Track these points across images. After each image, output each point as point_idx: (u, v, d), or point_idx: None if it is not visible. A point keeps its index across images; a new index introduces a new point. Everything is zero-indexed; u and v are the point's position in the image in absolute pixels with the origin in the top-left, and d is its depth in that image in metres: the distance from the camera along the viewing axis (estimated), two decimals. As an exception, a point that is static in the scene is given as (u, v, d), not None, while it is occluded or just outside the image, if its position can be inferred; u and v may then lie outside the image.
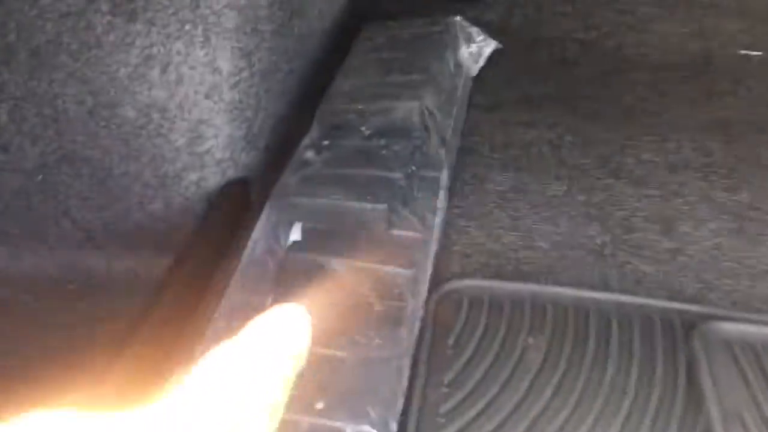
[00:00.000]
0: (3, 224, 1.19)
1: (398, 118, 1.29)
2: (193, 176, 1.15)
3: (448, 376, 0.97)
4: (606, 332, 1.07)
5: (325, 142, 1.24)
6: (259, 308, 0.98)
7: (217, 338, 0.96)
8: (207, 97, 1.14)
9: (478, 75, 1.65)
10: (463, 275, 1.17)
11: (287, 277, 1.02)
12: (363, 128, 1.26)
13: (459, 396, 0.96)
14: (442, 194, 1.23)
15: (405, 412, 0.90)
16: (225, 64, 1.14)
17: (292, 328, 0.44)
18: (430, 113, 1.34)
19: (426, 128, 1.31)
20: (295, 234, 1.10)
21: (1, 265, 1.19)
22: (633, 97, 1.65)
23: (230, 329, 0.99)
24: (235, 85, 1.16)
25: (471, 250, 1.24)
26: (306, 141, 1.24)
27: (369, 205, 1.12)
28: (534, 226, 1.31)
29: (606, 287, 1.21)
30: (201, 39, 1.12)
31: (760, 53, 1.82)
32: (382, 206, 1.12)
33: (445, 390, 0.96)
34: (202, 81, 1.14)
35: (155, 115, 1.12)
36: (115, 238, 1.18)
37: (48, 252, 1.20)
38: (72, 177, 1.18)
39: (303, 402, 0.82)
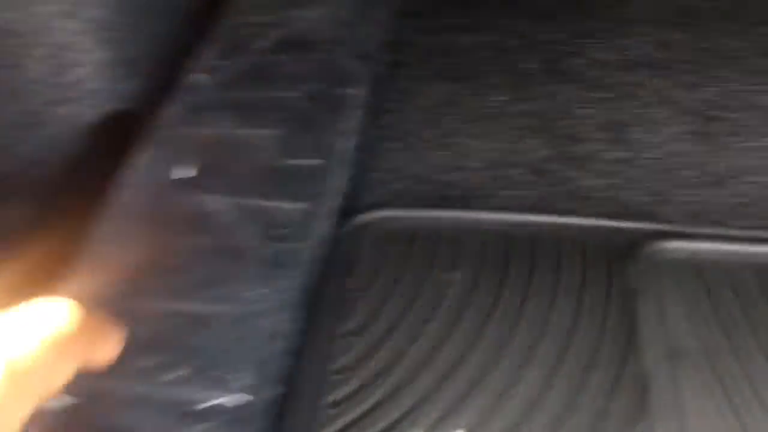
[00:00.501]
0: None
1: (304, 29, 1.13)
2: (62, 111, 1.00)
3: (349, 326, 0.84)
4: (536, 262, 0.94)
5: (218, 63, 1.08)
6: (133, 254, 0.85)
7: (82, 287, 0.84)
8: (68, 16, 0.98)
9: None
10: (377, 205, 1.03)
11: (166, 220, 0.89)
12: (262, 43, 1.11)
13: (360, 348, 0.83)
14: (357, 114, 1.08)
15: (291, 375, 0.78)
16: (89, -24, 0.98)
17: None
18: (345, 22, 1.18)
19: (339, 39, 1.15)
20: (180, 170, 0.96)
21: None
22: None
23: (101, 274, 0.87)
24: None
25: (391, 176, 1.10)
26: (196, 63, 1.09)
27: (261, 132, 0.97)
28: (467, 142, 1.16)
29: (545, 208, 1.07)
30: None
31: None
32: (276, 132, 0.97)
33: (343, 342, 0.83)
34: (61, -2, 0.97)
35: (8, 41, 0.96)
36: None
37: None
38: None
39: (154, 370, 0.69)
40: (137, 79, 1.06)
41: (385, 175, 1.11)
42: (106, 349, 0.49)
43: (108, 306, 0.54)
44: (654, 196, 1.09)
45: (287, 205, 0.89)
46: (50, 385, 0.43)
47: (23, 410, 0.38)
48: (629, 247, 0.94)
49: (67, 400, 0.65)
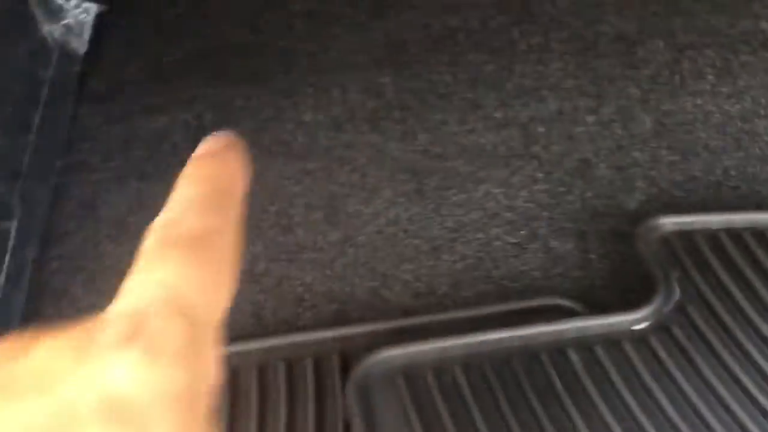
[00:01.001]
0: None
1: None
2: None
3: None
4: (238, 394, 0.82)
5: None
6: None
7: None
8: None
9: (90, 52, 1.28)
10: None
11: None
12: None
13: None
14: (10, 250, 0.90)
15: None
16: None
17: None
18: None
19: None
20: None
21: None
22: (290, 39, 1.36)
23: None
24: None
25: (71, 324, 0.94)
26: None
27: None
28: (162, 258, 1.02)
29: (257, 324, 0.96)
30: None
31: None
32: None
33: None
34: None
35: None
36: None
37: None
38: None
39: None
40: None
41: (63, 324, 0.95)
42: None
43: None
44: (376, 281, 1.01)
45: None
46: None
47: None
48: (342, 365, 0.84)
49: None
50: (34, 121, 1.05)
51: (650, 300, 0.89)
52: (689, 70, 1.25)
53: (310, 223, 1.05)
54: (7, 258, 0.88)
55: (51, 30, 1.19)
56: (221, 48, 1.34)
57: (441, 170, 1.14)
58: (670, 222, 0.99)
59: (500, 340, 0.85)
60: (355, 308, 0.96)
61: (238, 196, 0.38)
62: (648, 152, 1.14)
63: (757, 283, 0.92)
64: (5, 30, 1.09)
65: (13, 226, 0.91)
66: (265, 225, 1.05)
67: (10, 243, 0.89)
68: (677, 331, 0.87)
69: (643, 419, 0.79)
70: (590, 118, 1.18)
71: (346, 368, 0.84)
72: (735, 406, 0.80)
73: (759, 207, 1.04)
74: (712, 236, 0.98)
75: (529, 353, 0.84)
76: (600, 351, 0.84)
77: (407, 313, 0.93)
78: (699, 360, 0.84)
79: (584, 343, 0.85)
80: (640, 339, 0.86)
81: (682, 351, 0.85)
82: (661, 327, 0.87)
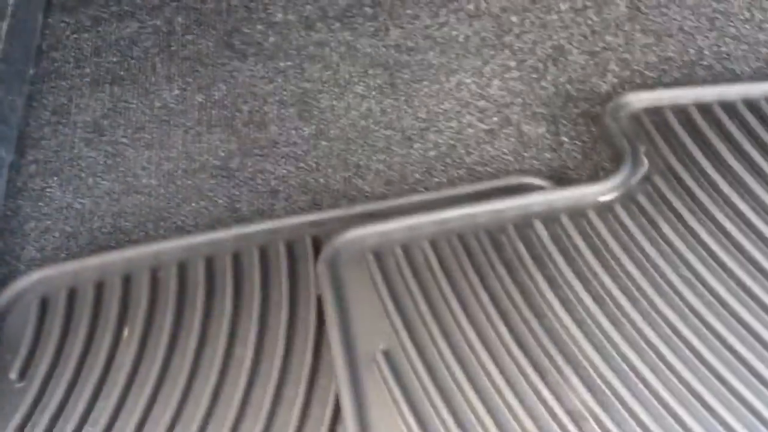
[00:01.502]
0: None
1: None
2: None
3: (14, 421, 0.72)
4: (215, 286, 0.83)
5: None
6: None
7: None
8: None
9: (58, -38, 1.27)
10: (38, 262, 0.88)
11: None
12: None
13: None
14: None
15: None
16: None
17: None
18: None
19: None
20: None
21: None
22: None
23: None
24: None
25: (51, 221, 0.95)
26: None
27: None
28: (136, 158, 1.02)
29: (230, 217, 0.97)
30: None
31: None
32: None
33: None
34: None
35: None
36: None
37: None
38: None
39: None
40: None
41: (43, 221, 0.96)
42: None
43: None
44: (350, 171, 1.01)
45: None
46: None
47: None
48: (314, 244, 0.86)
49: None
50: (2, 31, 1.04)
51: (617, 172, 0.90)
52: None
53: (283, 120, 1.06)
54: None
55: (15, -60, 1.18)
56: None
57: (413, 63, 1.13)
58: (639, 98, 0.99)
59: (468, 215, 0.86)
60: (329, 198, 0.96)
61: None
62: (622, 36, 1.13)
63: (725, 153, 0.92)
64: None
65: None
66: (238, 123, 1.05)
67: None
68: (644, 201, 0.87)
69: (608, 282, 0.80)
70: (564, 5, 1.17)
71: (318, 250, 0.85)
72: (700, 267, 0.81)
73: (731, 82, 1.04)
74: (682, 110, 0.98)
75: (497, 227, 0.85)
76: (566, 221, 0.85)
77: (380, 199, 0.95)
78: (665, 226, 0.85)
79: (551, 216, 0.86)
80: (606, 209, 0.87)
81: (648, 219, 0.86)
82: (627, 197, 0.88)
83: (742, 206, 0.86)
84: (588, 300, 0.79)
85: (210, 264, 0.85)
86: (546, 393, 0.71)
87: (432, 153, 1.03)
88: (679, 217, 0.86)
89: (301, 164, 1.01)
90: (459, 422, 0.71)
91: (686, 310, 0.78)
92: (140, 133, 1.04)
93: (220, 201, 0.97)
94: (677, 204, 0.87)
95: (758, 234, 0.84)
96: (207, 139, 1.04)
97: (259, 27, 1.19)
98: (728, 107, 0.98)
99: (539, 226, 0.85)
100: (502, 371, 0.73)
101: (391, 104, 1.08)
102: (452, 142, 1.04)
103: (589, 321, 0.78)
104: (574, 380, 0.72)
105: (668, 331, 0.77)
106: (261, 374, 0.75)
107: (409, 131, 1.05)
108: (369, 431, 0.70)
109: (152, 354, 0.77)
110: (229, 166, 1.01)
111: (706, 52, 1.12)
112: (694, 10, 1.16)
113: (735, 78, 1.08)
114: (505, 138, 1.04)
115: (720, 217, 0.85)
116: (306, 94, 1.10)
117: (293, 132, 1.05)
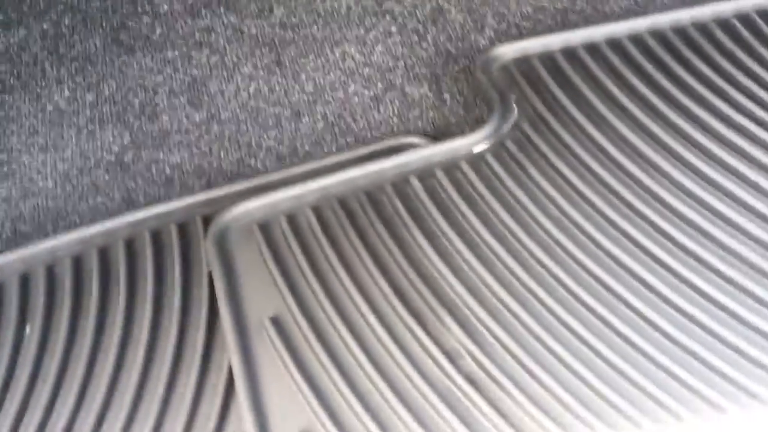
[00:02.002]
0: None
1: None
2: None
3: None
4: (110, 276, 0.86)
5: None
6: None
7: None
8: None
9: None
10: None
11: None
12: None
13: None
14: None
15: None
16: None
17: None
18: None
19: None
20: None
21: None
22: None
23: None
24: None
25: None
26: None
27: None
28: (31, 163, 1.04)
29: (126, 207, 0.99)
30: None
31: None
32: None
33: None
34: None
35: None
36: None
37: None
38: None
39: None
40: None
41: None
42: None
43: None
44: (241, 151, 1.04)
45: None
46: None
47: None
48: (204, 223, 0.89)
49: None
50: None
51: (487, 124, 0.94)
52: None
53: (175, 109, 1.08)
54: None
55: None
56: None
57: (299, 39, 1.16)
58: (509, 50, 1.03)
59: (349, 180, 0.90)
60: (223, 180, 1.00)
61: None
62: (496, -10, 1.17)
63: (590, 95, 0.97)
64: None
65: None
66: (130, 117, 1.07)
67: None
68: (513, 148, 0.92)
69: (480, 229, 0.84)
70: (440, -34, 1.20)
71: (207, 226, 0.89)
72: (565, 205, 0.86)
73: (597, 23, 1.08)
74: (549, 57, 1.02)
75: (376, 187, 0.89)
76: (441, 175, 0.89)
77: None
78: (532, 170, 0.90)
79: (427, 171, 0.90)
80: (478, 159, 0.91)
81: (518, 164, 0.90)
82: (499, 146, 0.92)
83: (604, 142, 0.91)
84: (462, 247, 0.83)
85: (104, 254, 0.88)
86: (423, 336, 0.76)
87: (320, 125, 1.06)
88: (546, 159, 0.90)
89: (194, 150, 1.04)
90: (345, 375, 0.75)
91: (555, 247, 0.83)
92: (34, 138, 1.06)
93: (117, 195, 0.99)
94: (544, 147, 0.91)
95: (620, 167, 0.89)
96: (100, 136, 1.06)
97: (146, 20, 1.21)
98: (592, 49, 1.02)
99: (415, 182, 0.89)
100: (382, 322, 0.78)
101: (279, 82, 1.11)
102: (339, 111, 1.07)
103: (465, 267, 0.82)
104: (449, 321, 0.77)
105: (539, 269, 0.81)
106: (158, 352, 0.79)
107: (297, 106, 1.09)
108: (260, 394, 0.74)
109: (53, 348, 0.80)
110: (124, 160, 1.03)
111: (578, -2, 1.17)
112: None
113: (603, 19, 1.12)
114: (389, 102, 1.08)
115: (584, 155, 0.90)
116: (195, 81, 1.12)
117: (185, 119, 1.08)
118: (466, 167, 0.90)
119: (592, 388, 0.73)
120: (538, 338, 0.77)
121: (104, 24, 1.19)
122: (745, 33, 1.02)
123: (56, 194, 1.00)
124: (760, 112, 0.93)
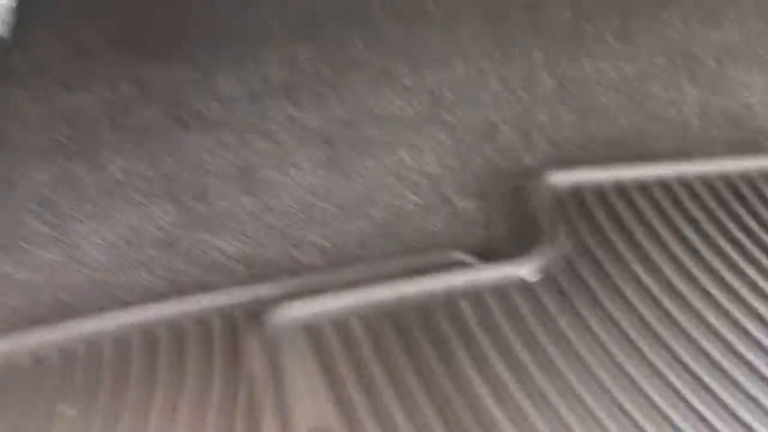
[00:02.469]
0: None
1: None
2: None
3: None
4: (157, 365, 0.87)
5: None
6: None
7: None
8: None
9: (13, 33, 1.29)
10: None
11: None
12: None
13: None
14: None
15: None
16: None
17: None
18: None
19: None
20: None
21: None
22: (208, 14, 1.38)
23: None
24: None
25: (-4, 293, 0.98)
26: None
27: None
28: (80, 230, 1.05)
29: (173, 291, 1.00)
30: None
31: None
32: None
33: None
34: None
35: None
36: None
37: None
38: None
39: None
40: None
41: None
42: None
43: None
44: (288, 244, 1.05)
45: None
46: None
47: None
48: (252, 318, 0.89)
49: None
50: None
51: (537, 252, 0.95)
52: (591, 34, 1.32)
53: (225, 192, 1.10)
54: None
55: (-33, 11, 1.21)
56: (141, 26, 1.37)
57: (353, 137, 1.19)
58: (558, 176, 1.05)
59: (398, 294, 0.91)
60: (267, 270, 1.01)
61: None
62: (548, 113, 1.21)
63: (640, 234, 0.99)
64: None
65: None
66: (180, 194, 1.09)
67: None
68: (562, 280, 0.93)
69: (530, 363, 0.85)
70: (495, 83, 1.24)
71: (254, 324, 0.89)
72: (615, 349, 0.87)
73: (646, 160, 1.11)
74: (600, 190, 1.05)
75: (425, 305, 0.90)
76: (491, 300, 0.90)
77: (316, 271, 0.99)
78: (583, 309, 0.91)
79: (477, 294, 0.91)
80: (527, 287, 0.92)
81: (567, 299, 0.91)
82: (547, 276, 0.94)
83: (651, 284, 0.93)
84: (508, 376, 0.83)
85: (149, 337, 0.89)
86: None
87: (368, 227, 1.08)
88: (594, 296, 0.91)
89: (242, 236, 1.06)
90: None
91: (598, 389, 0.83)
92: (86, 205, 1.07)
93: (161, 272, 1.00)
94: (593, 283, 0.93)
95: (667, 314, 0.90)
96: (151, 211, 1.07)
97: (204, 99, 1.24)
98: (642, 188, 1.05)
99: (465, 306, 0.90)
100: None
101: (331, 178, 1.13)
102: (388, 216, 1.09)
103: (507, 396, 0.83)
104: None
105: (581, 409, 0.82)
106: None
107: (347, 205, 1.10)
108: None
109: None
110: (172, 238, 1.04)
111: (627, 131, 1.20)
112: (616, 90, 1.25)
113: (652, 156, 1.16)
114: (438, 213, 1.10)
115: (632, 297, 0.91)
116: (249, 167, 1.14)
117: (235, 204, 1.10)
118: (515, 295, 0.91)
119: None
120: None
121: (164, 97, 1.22)
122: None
123: (101, 265, 1.01)
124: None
